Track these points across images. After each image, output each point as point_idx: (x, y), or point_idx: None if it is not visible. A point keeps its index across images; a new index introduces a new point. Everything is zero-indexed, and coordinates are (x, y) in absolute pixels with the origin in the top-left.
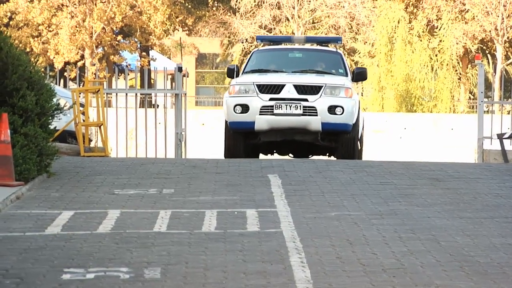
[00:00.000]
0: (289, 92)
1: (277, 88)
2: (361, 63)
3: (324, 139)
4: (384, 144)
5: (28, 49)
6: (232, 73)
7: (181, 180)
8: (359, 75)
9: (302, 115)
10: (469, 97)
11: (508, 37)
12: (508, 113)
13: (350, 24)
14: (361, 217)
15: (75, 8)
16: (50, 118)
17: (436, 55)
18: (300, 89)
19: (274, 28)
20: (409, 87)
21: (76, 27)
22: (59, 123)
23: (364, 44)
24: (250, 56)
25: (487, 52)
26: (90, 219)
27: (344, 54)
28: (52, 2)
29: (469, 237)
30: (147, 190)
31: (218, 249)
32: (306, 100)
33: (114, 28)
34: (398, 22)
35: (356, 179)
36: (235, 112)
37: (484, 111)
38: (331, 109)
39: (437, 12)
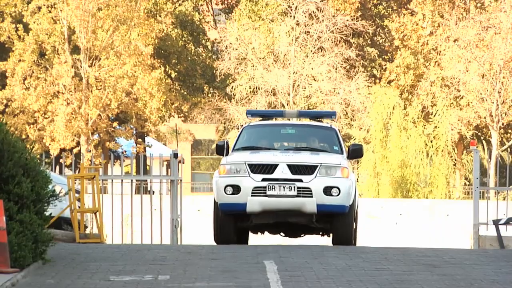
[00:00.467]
0: (282, 172)
1: (270, 168)
2: None
3: (319, 221)
4: (380, 230)
5: (24, 136)
6: (222, 149)
7: (177, 267)
8: (355, 152)
9: (297, 196)
10: (465, 183)
11: (503, 123)
12: (504, 199)
13: (345, 110)
14: None
15: (71, 95)
16: (46, 204)
17: (431, 141)
18: (294, 169)
19: None
20: (405, 173)
21: (72, 114)
22: (54, 209)
23: (359, 130)
24: (241, 132)
25: (482, 138)
26: None
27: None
28: (48, 90)
29: None
30: (142, 276)
31: None
32: (300, 180)
33: (110, 115)
34: (393, 108)
35: (352, 265)
36: (226, 193)
37: (480, 197)
38: (327, 190)
39: (432, 98)
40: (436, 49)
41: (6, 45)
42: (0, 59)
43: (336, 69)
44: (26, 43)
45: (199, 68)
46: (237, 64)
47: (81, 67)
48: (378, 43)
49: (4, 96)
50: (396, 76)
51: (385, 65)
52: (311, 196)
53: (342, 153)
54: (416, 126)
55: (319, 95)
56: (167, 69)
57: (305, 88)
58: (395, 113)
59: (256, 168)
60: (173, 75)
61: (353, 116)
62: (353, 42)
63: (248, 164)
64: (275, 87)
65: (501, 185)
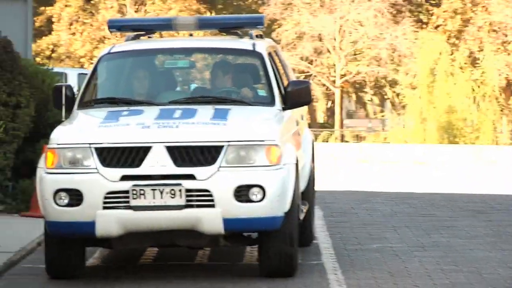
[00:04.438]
0: (158, 162)
1: (136, 154)
2: (403, 95)
3: (233, 240)
4: (426, 175)
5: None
6: (59, 102)
7: None
8: (296, 95)
9: (186, 207)
10: None
11: None
12: None
13: (391, 55)
14: (403, 249)
15: (117, 40)
16: None
17: (478, 87)
18: (180, 154)
19: (316, 60)
20: (451, 119)
21: None
22: None
23: (406, 75)
24: (94, 68)
25: None
26: None
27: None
28: (94, 35)
29: None
30: None
31: (261, 281)
32: (191, 177)
33: None
34: (440, 53)
35: (397, 211)
36: (57, 204)
37: None
38: (241, 193)
39: (479, 43)
40: None
41: None
42: (46, 4)
43: (382, 14)
44: None
45: (245, 13)
46: (283, 9)
47: (127, 12)
48: None
49: (50, 41)
50: (443, 21)
51: (432, 10)
52: (212, 206)
53: (272, 102)
54: (463, 72)
55: (365, 40)
56: (212, 15)
57: (351, 33)
58: (442, 59)
59: (110, 156)
60: None
61: (399, 62)
62: None
63: (96, 149)
64: (321, 32)
65: None
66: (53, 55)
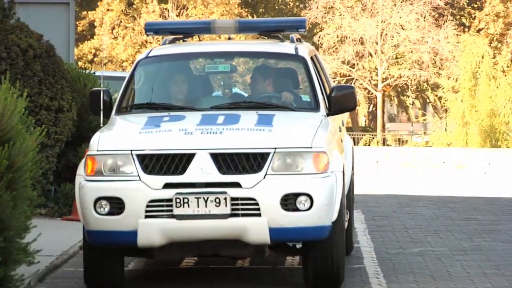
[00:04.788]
0: (202, 169)
1: (180, 161)
2: (445, 98)
3: (277, 250)
4: (468, 179)
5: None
6: (96, 107)
7: None
8: (342, 101)
9: (231, 216)
10: None
11: None
12: None
13: (433, 59)
14: (445, 253)
15: (159, 44)
16: None
17: None
18: (224, 161)
19: (357, 64)
20: (494, 122)
21: None
22: None
23: (448, 79)
24: (133, 71)
25: None
26: None
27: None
28: (136, 39)
29: None
30: None
31: (303, 285)
32: (237, 184)
33: None
34: (482, 57)
35: (439, 214)
36: (98, 213)
37: None
38: (288, 201)
39: None
40: None
41: None
42: (89, 9)
43: (424, 17)
44: None
45: (286, 17)
46: (325, 13)
47: (168, 16)
48: None
49: (92, 45)
50: (486, 25)
51: (474, 13)
52: (258, 215)
53: (317, 107)
54: (505, 75)
55: (407, 44)
56: (254, 18)
57: (393, 37)
58: (484, 62)
59: (152, 163)
60: None
61: (441, 65)
62: None
63: (138, 156)
64: (363, 36)
65: None
66: (95, 59)
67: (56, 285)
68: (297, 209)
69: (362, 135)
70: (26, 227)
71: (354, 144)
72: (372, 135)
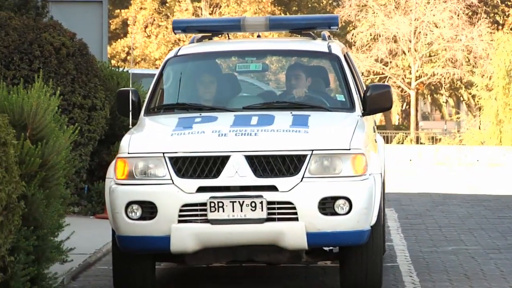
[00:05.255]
0: (237, 172)
1: (214, 164)
2: (479, 96)
3: (313, 255)
4: (502, 178)
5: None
6: (125, 109)
7: None
8: (377, 101)
9: (267, 220)
10: None
11: None
12: None
13: (467, 57)
14: (478, 251)
15: None
16: None
17: None
18: (260, 164)
19: (390, 62)
20: None
21: None
22: None
23: (482, 77)
24: (161, 70)
25: None
26: None
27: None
28: (169, 37)
29: None
30: None
31: (336, 282)
32: (273, 188)
33: None
34: None
35: (473, 213)
36: (129, 217)
37: None
38: (326, 205)
39: None
40: None
41: None
42: (122, 7)
43: (458, 15)
44: None
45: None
46: (358, 11)
47: (201, 14)
48: None
49: (125, 44)
50: None
51: (508, 11)
52: (296, 219)
53: (352, 107)
54: None
55: (441, 42)
56: (285, 16)
57: (426, 35)
58: None
59: (185, 166)
60: None
61: (475, 63)
62: None
63: (170, 158)
64: (396, 34)
65: None
66: (128, 57)
67: (89, 283)
68: (335, 213)
69: (396, 133)
70: (59, 225)
71: (388, 142)
72: (406, 133)
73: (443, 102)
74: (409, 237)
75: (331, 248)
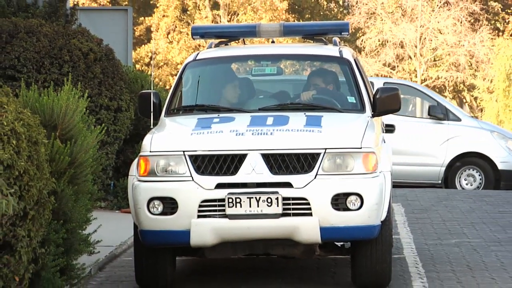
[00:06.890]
0: (254, 170)
1: (232, 162)
2: (480, 98)
3: (326, 249)
4: None
5: (167, 86)
6: (147, 110)
7: None
8: (386, 103)
9: (282, 215)
10: None
11: None
12: None
13: (469, 61)
14: (480, 244)
15: None
16: None
17: None
18: (276, 162)
19: (397, 66)
20: None
21: None
22: None
23: (483, 80)
24: (181, 74)
25: None
26: None
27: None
28: (189, 43)
29: None
30: None
31: (347, 274)
32: (288, 184)
33: None
34: None
35: (475, 207)
36: (151, 213)
37: None
38: (339, 201)
39: None
40: None
41: (151, 2)
42: (146, 15)
43: (461, 22)
44: None
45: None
46: (367, 19)
47: (220, 21)
48: None
49: (149, 49)
50: None
51: (508, 18)
52: (310, 214)
53: (362, 108)
54: None
55: (445, 47)
56: (298, 22)
57: (431, 40)
58: None
59: (205, 164)
60: None
61: (477, 67)
62: None
63: (190, 156)
64: (403, 39)
65: None
66: (151, 62)
67: (115, 274)
68: (347, 209)
69: None
70: (87, 219)
71: None
72: None
73: None
74: (415, 230)
75: (342, 243)
